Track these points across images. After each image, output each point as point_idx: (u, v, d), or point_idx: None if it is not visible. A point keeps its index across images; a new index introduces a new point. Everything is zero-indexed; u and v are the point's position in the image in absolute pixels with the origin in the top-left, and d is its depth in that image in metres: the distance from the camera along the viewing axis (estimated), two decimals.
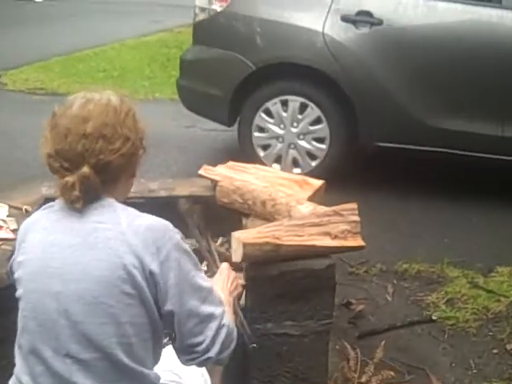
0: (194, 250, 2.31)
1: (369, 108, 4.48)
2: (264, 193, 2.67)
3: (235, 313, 2.05)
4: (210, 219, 2.80)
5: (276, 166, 4.74)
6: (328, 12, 4.42)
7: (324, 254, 2.35)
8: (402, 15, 4.36)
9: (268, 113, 4.70)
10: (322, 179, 4.50)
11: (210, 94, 4.84)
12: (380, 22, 4.35)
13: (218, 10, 4.72)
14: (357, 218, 2.43)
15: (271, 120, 4.71)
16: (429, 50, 4.32)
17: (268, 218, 2.62)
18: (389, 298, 3.38)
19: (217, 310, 1.67)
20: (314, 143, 4.66)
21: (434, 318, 3.17)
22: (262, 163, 4.71)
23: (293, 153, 4.71)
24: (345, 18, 4.41)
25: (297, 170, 4.72)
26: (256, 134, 4.76)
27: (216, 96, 4.80)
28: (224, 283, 1.96)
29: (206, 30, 4.87)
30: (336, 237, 2.37)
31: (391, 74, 4.38)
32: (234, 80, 4.69)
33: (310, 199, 2.73)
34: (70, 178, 1.58)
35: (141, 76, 8.32)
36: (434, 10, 4.33)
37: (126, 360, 1.57)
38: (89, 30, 12.25)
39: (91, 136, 1.59)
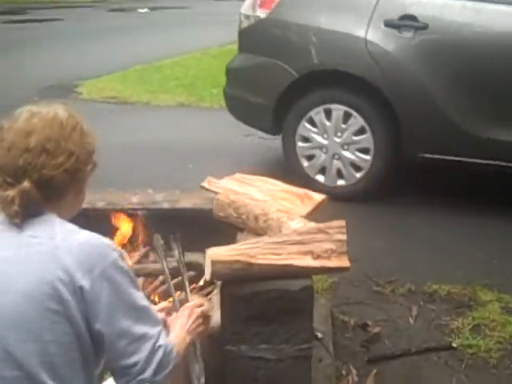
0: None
1: (413, 117, 4.26)
2: (257, 207, 2.58)
3: (192, 355, 1.98)
4: (208, 233, 2.73)
5: (320, 178, 4.62)
6: (371, 17, 4.24)
7: (304, 275, 2.22)
8: (449, 19, 4.11)
9: (312, 122, 4.57)
10: (367, 191, 4.43)
11: (254, 102, 4.77)
12: (425, 26, 4.12)
13: (262, 16, 4.63)
14: (343, 237, 2.28)
15: (315, 129, 4.57)
16: (477, 55, 4.05)
17: (261, 233, 2.52)
18: (411, 321, 3.16)
19: (152, 330, 1.61)
20: (359, 154, 4.48)
21: (453, 345, 2.94)
22: (306, 174, 4.62)
23: (337, 164, 4.55)
24: (388, 23, 4.21)
25: (341, 182, 4.57)
26: (300, 143, 4.64)
27: (260, 104, 4.73)
28: (183, 321, 1.87)
29: (250, 38, 4.81)
30: (318, 256, 2.23)
31: (437, 81, 4.14)
32: (277, 88, 4.59)
33: (310, 214, 2.61)
34: (10, 192, 1.57)
35: (212, 84, 8.33)
36: (483, 13, 4.05)
37: (49, 382, 1.51)
38: (177, 38, 12.54)
39: (34, 150, 1.58)
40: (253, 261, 2.14)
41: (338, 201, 4.42)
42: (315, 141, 4.59)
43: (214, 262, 2.11)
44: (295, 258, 2.20)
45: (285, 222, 2.46)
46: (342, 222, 2.32)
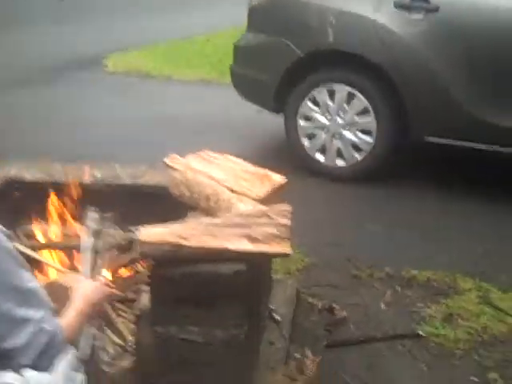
0: None
1: (420, 101, 4.14)
2: (210, 187, 2.54)
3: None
4: (165, 210, 2.69)
5: (320, 157, 4.54)
6: None
7: (239, 259, 2.17)
8: (460, 0, 3.96)
9: (314, 101, 4.49)
10: (366, 173, 4.33)
11: (257, 79, 4.74)
12: (436, 8, 3.97)
13: None
14: (287, 222, 2.21)
15: (317, 109, 4.48)
16: (489, 38, 3.90)
17: (211, 213, 2.48)
18: (383, 307, 3.08)
19: (36, 314, 1.56)
20: (360, 135, 4.38)
21: (420, 333, 2.86)
22: (307, 153, 4.55)
23: (337, 143, 4.46)
24: (398, 4, 4.08)
25: (341, 162, 4.48)
26: (302, 122, 4.56)
27: (263, 82, 4.69)
28: (90, 290, 1.87)
29: (257, 16, 4.77)
30: (257, 241, 2.18)
31: (446, 64, 4.00)
32: (281, 66, 4.54)
33: (268, 196, 2.55)
34: None
35: None
36: None
37: None
38: (216, 14, 12.39)
39: None
40: (183, 242, 2.10)
41: (335, 181, 4.38)
42: (317, 120, 4.51)
43: (141, 243, 2.09)
44: (231, 241, 2.15)
45: (234, 204, 2.42)
46: (288, 207, 2.26)
